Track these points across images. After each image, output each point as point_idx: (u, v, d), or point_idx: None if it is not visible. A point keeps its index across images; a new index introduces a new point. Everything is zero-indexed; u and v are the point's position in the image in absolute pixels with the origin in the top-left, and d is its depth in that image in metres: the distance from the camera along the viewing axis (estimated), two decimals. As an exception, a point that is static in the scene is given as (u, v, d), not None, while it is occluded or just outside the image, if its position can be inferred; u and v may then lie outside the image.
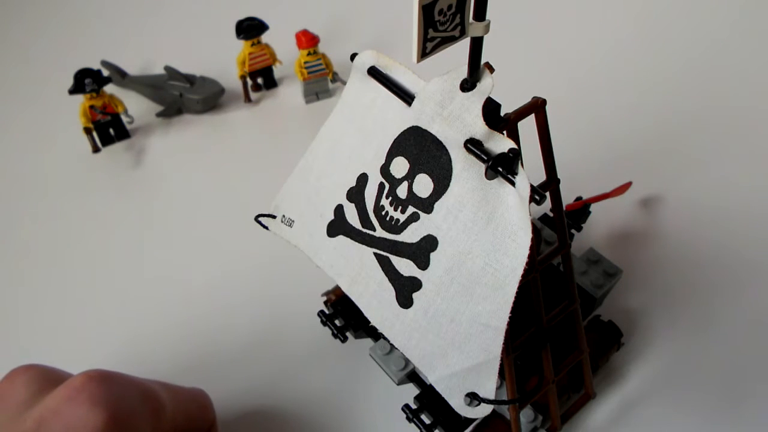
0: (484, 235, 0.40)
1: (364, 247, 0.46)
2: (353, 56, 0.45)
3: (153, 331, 0.69)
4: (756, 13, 1.06)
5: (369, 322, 0.47)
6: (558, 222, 0.47)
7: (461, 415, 0.44)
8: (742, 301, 0.68)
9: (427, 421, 0.54)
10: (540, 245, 0.62)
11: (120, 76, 0.99)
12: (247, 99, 0.97)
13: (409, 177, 0.43)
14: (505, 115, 0.40)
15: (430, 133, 0.41)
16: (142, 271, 0.75)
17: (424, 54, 0.35)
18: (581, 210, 0.67)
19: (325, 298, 0.64)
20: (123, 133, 0.92)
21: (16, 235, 0.81)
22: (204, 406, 0.54)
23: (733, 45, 1.01)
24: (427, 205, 0.42)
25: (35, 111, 0.98)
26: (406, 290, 0.44)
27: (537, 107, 0.41)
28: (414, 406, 0.55)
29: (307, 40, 0.92)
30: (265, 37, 0.93)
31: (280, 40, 0.96)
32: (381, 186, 0.45)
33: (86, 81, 0.84)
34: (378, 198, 0.45)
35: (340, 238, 0.48)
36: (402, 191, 0.44)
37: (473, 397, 0.43)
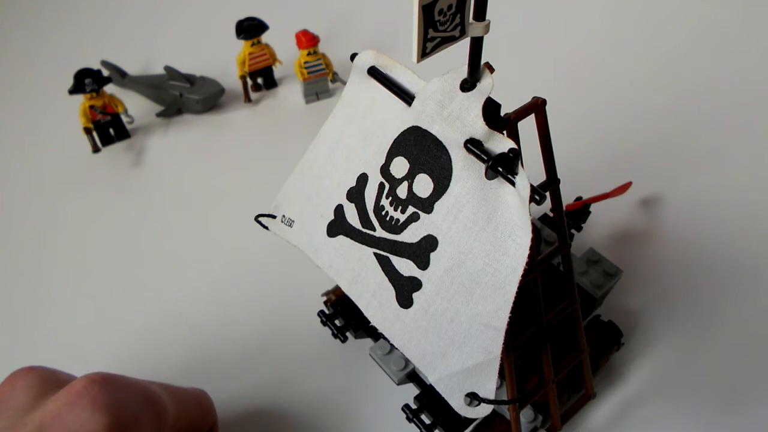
0: (484, 235, 0.40)
1: (364, 247, 0.46)
2: (353, 56, 0.45)
3: (153, 331, 0.69)
4: (758, 12, 1.06)
5: (369, 322, 0.47)
6: (558, 222, 0.47)
7: (461, 415, 0.44)
8: (742, 300, 0.68)
9: (427, 421, 0.54)
10: (540, 245, 0.62)
11: (120, 76, 0.99)
12: (247, 99, 0.97)
13: (409, 177, 0.43)
14: (505, 115, 0.40)
15: (430, 133, 0.41)
16: (142, 271, 0.75)
17: (424, 54, 0.35)
18: (581, 210, 0.67)
19: (325, 298, 0.64)
20: (123, 133, 0.92)
21: (16, 235, 0.81)
22: (205, 407, 0.54)
23: (734, 45, 1.01)
24: (427, 205, 0.42)
25: (35, 111, 0.98)
26: (406, 290, 0.44)
27: (537, 107, 0.41)
28: (414, 406, 0.55)
29: (307, 40, 0.92)
30: (265, 37, 0.93)
31: (280, 40, 0.96)
32: (381, 186, 0.45)
33: (86, 81, 0.84)
34: (378, 198, 0.45)
35: (340, 238, 0.48)
36: (402, 191, 0.44)
37: (473, 397, 0.43)
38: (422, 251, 0.43)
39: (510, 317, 0.39)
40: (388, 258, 0.45)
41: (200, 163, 0.88)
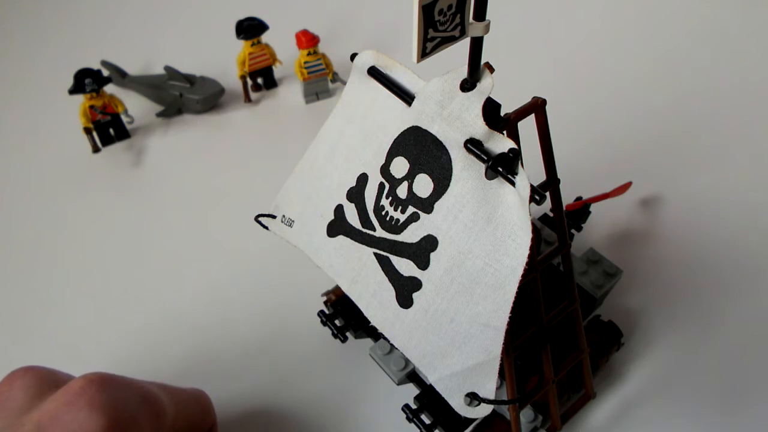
0: (484, 235, 0.40)
1: (364, 247, 0.46)
2: (353, 56, 0.45)
3: (153, 331, 0.69)
4: (758, 12, 1.06)
5: (369, 322, 0.47)
6: (558, 222, 0.47)
7: (461, 415, 0.44)
8: (742, 300, 0.68)
9: (427, 421, 0.54)
10: (540, 245, 0.62)
11: (120, 76, 0.99)
12: (247, 99, 0.97)
13: (409, 177, 0.43)
14: (505, 115, 0.40)
15: (430, 133, 0.41)
16: (142, 271, 0.75)
17: (424, 54, 0.35)
18: (581, 210, 0.67)
19: (325, 298, 0.64)
20: (123, 133, 0.92)
21: (16, 235, 0.81)
22: (204, 407, 0.54)
23: (734, 45, 1.01)
24: (427, 205, 0.42)
25: (35, 111, 0.98)
26: (406, 290, 0.44)
27: (537, 107, 0.41)
28: (414, 406, 0.55)
29: (307, 40, 0.92)
30: (265, 37, 0.93)
31: (280, 40, 0.96)
32: (381, 186, 0.45)
33: (86, 81, 0.84)
34: (378, 198, 0.45)
35: (340, 238, 0.48)
36: (402, 191, 0.44)
37: (473, 397, 0.43)
38: (422, 251, 0.43)
39: (510, 317, 0.39)
40: (388, 258, 0.45)
41: (200, 163, 0.88)
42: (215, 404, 0.56)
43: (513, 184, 0.37)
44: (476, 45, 0.36)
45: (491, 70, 0.38)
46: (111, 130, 0.91)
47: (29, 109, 0.99)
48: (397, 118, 0.43)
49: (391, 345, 0.56)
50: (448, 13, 0.33)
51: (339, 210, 0.48)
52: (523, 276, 0.38)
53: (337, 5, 1.14)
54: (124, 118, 0.91)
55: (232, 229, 0.78)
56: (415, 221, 0.43)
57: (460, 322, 0.41)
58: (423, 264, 0.43)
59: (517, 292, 0.39)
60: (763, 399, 0.60)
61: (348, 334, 0.61)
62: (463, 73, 0.38)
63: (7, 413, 0.43)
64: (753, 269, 0.71)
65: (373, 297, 0.46)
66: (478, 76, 0.38)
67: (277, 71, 0.99)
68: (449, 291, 0.42)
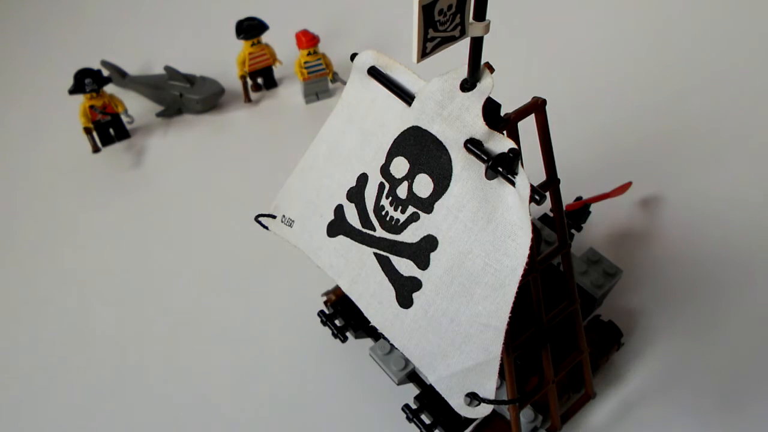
0: (484, 235, 0.40)
1: (364, 247, 0.46)
2: (353, 56, 0.45)
3: (151, 332, 0.69)
4: (759, 14, 1.06)
5: (369, 322, 0.47)
6: (558, 222, 0.47)
7: (461, 415, 0.44)
8: (743, 301, 0.68)
9: (427, 421, 0.54)
10: (540, 245, 0.62)
11: (120, 76, 0.99)
12: (247, 99, 0.97)
13: (409, 177, 0.43)
14: (505, 115, 0.40)
15: (430, 133, 0.41)
16: (141, 270, 0.75)
17: (424, 54, 0.35)
18: (581, 210, 0.67)
19: (325, 298, 0.64)
20: (123, 133, 0.92)
21: (14, 234, 0.81)
22: None
23: (736, 46, 1.01)
24: (427, 205, 0.42)
25: (35, 111, 0.98)
26: (406, 290, 0.44)
27: (537, 107, 0.41)
28: (414, 406, 0.55)
29: (307, 40, 0.91)
30: (265, 37, 0.93)
31: (280, 40, 0.96)
32: (381, 186, 0.45)
33: (86, 81, 0.84)
34: (378, 198, 0.45)
35: (341, 238, 0.48)
36: (402, 191, 0.44)
37: (473, 397, 0.43)
38: (422, 251, 0.43)
39: (510, 317, 0.39)
40: (388, 258, 0.45)
41: (200, 163, 0.88)
42: (214, 406, 0.56)
43: (513, 184, 0.37)
44: (476, 45, 0.36)
45: (491, 70, 0.38)
46: (111, 130, 0.91)
47: (29, 109, 0.99)
48: (397, 118, 0.43)
49: (391, 345, 0.56)
50: (448, 13, 0.33)
51: (339, 210, 0.48)
52: (523, 276, 0.38)
53: (337, 5, 1.14)
54: (124, 118, 0.91)
55: (231, 229, 0.78)
56: (415, 221, 0.43)
57: (460, 322, 0.41)
58: (423, 264, 0.43)
59: (517, 292, 0.39)
60: (763, 399, 0.60)
61: (348, 334, 0.61)
62: (463, 73, 0.38)
63: None
64: (754, 269, 0.71)
65: (373, 297, 0.46)
66: (478, 76, 0.38)
67: (277, 71, 0.99)
68: (449, 291, 0.42)
